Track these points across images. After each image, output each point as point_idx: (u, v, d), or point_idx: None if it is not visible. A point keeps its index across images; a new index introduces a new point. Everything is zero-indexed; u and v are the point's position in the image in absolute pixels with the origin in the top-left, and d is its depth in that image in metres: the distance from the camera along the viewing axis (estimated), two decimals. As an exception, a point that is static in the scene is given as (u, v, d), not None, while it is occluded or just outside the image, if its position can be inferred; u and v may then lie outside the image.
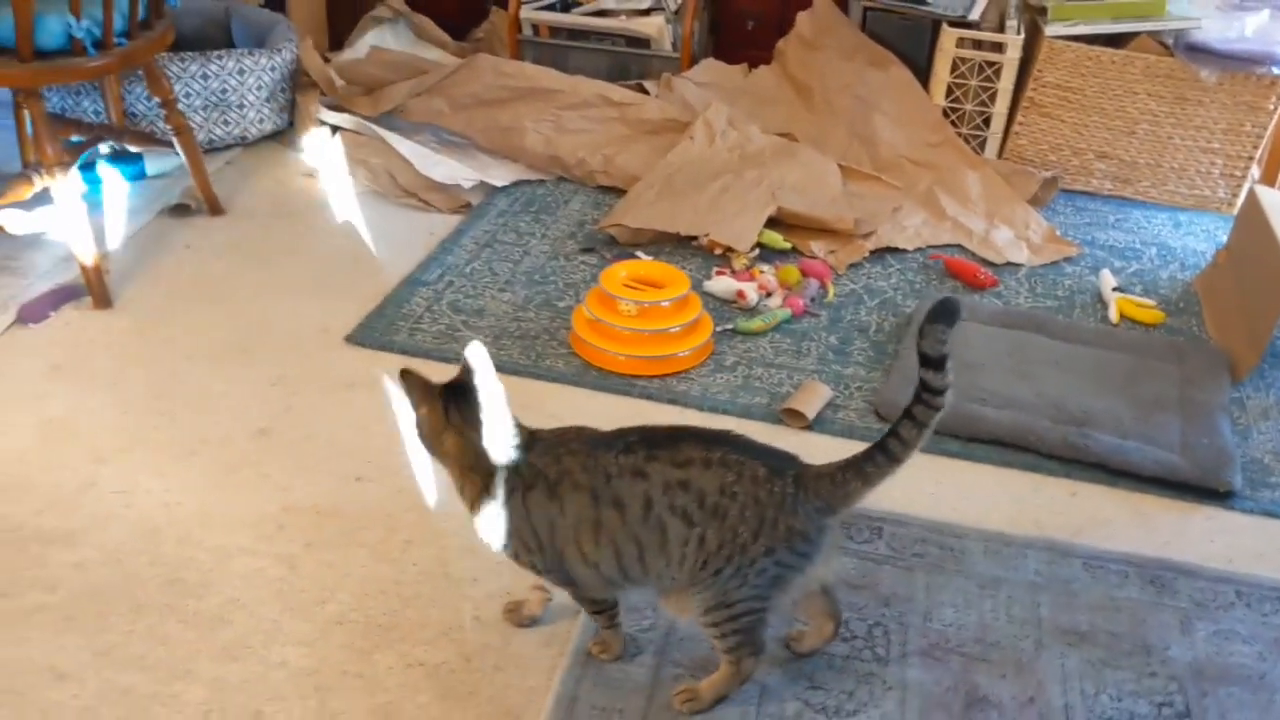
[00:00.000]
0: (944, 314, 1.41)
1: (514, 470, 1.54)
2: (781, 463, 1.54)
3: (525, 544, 1.56)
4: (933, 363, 1.43)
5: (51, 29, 2.29)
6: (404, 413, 1.59)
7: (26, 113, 2.79)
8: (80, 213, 2.43)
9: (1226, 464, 2.15)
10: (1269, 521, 2.09)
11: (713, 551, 1.50)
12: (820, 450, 2.17)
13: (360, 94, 3.38)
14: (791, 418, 2.27)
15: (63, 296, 2.49)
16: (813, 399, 2.30)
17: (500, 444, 1.54)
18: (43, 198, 2.62)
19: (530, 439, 1.57)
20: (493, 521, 1.56)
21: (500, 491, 1.54)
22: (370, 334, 2.46)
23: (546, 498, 1.53)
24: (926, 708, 1.66)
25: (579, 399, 2.32)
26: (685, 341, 2.43)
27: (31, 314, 2.42)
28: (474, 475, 1.56)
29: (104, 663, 1.67)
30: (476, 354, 1.54)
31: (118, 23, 2.40)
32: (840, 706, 1.66)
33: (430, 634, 1.75)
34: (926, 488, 2.12)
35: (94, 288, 2.47)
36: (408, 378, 1.58)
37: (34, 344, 2.38)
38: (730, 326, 2.57)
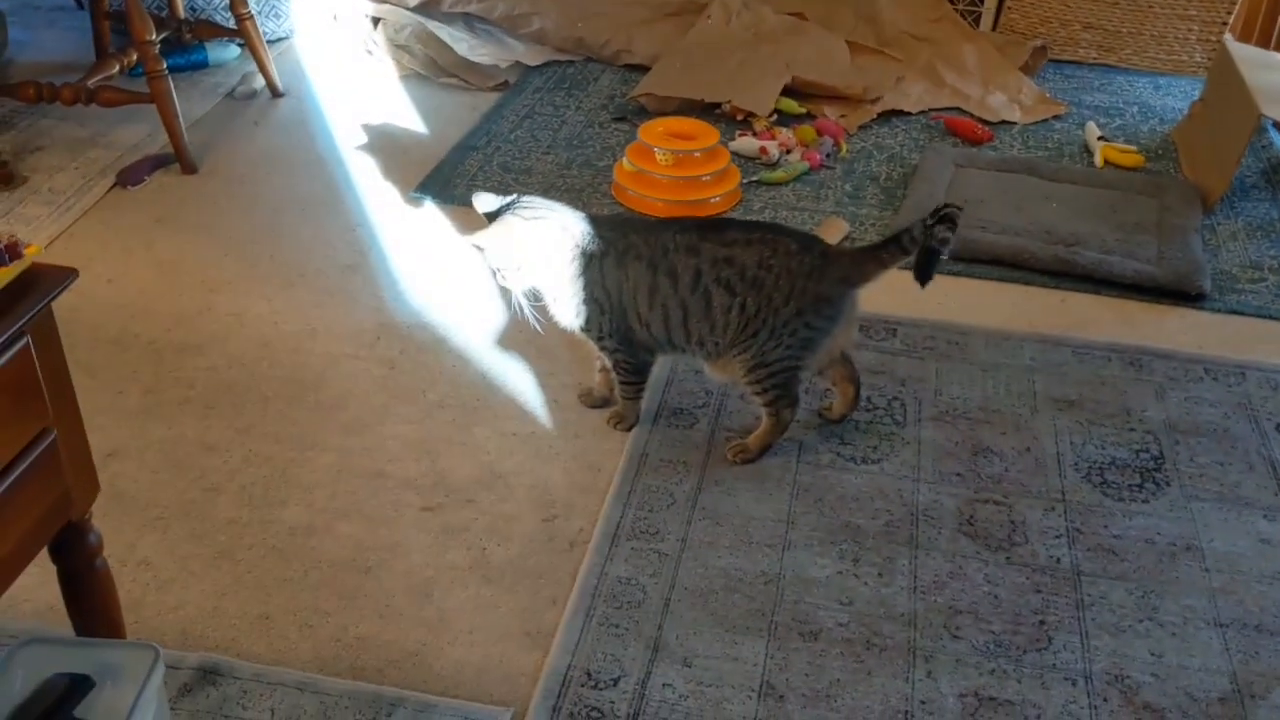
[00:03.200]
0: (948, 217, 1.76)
1: (589, 244, 1.84)
2: (811, 241, 1.85)
3: (599, 305, 1.86)
4: (945, 220, 1.76)
5: (140, -84, 2.55)
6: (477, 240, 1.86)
7: (103, 9, 3.06)
8: (169, 87, 2.69)
9: (1198, 271, 2.45)
10: (1234, 318, 2.39)
11: (751, 315, 1.81)
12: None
13: (397, -12, 3.62)
14: (813, 247, 2.56)
15: (156, 163, 2.77)
16: (833, 232, 2.59)
17: (571, 226, 1.84)
18: (124, 81, 2.89)
19: (593, 221, 1.86)
20: (572, 296, 1.86)
21: (579, 264, 1.83)
22: (432, 189, 2.75)
23: (615, 265, 1.84)
24: (939, 456, 1.98)
25: (623, 239, 2.61)
26: (716, 188, 2.71)
27: (130, 177, 2.70)
28: (554, 263, 1.85)
29: (245, 438, 1.98)
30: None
31: (196, -90, 2.66)
32: (866, 456, 1.97)
33: (518, 413, 2.05)
34: (934, 299, 2.40)
35: (182, 155, 2.75)
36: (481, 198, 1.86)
37: (136, 202, 2.66)
38: (756, 178, 2.85)
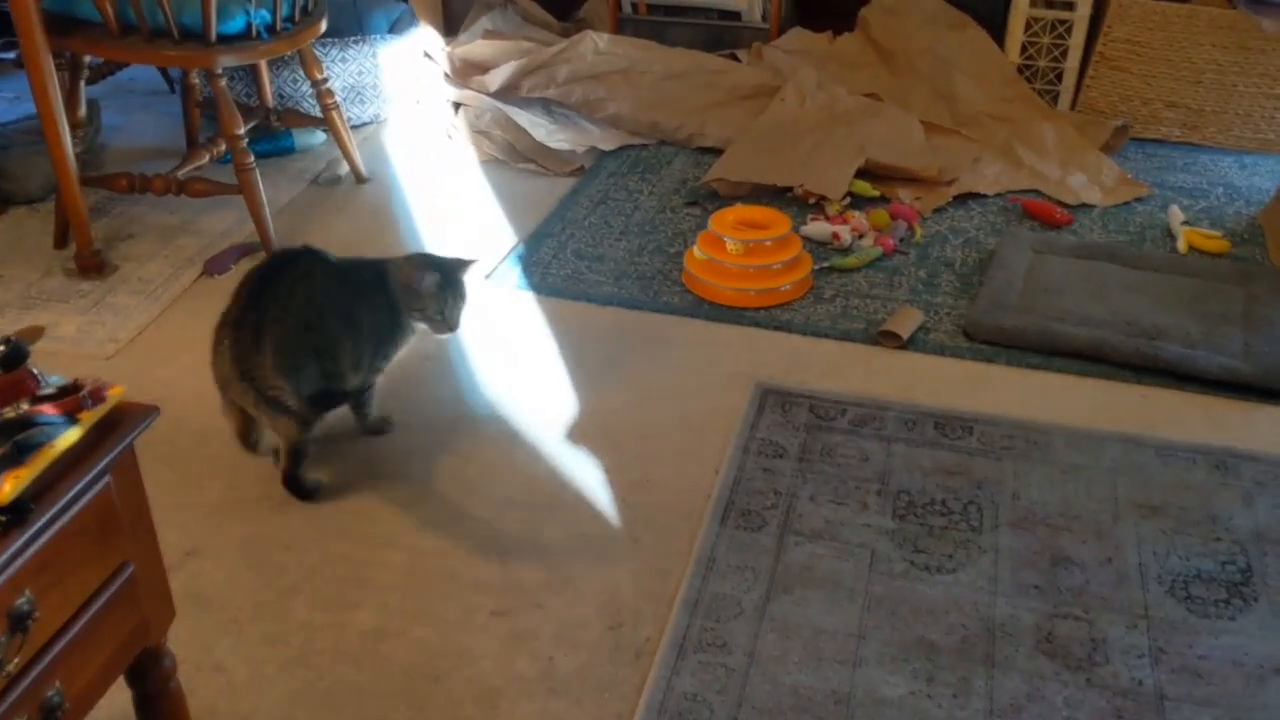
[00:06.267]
0: None
1: None
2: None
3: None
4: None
5: (231, 15, 2.64)
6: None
7: (194, 97, 3.18)
8: (256, 179, 2.78)
9: (1287, 368, 2.38)
10: (1326, 417, 2.32)
11: None
12: (916, 366, 2.47)
13: (477, 73, 3.70)
14: (887, 339, 2.54)
15: (242, 252, 2.85)
16: (907, 321, 2.57)
17: None
18: (213, 169, 2.99)
19: None
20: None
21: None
22: (507, 276, 2.78)
23: None
24: (1017, 566, 1.93)
25: (694, 329, 2.61)
26: (787, 276, 2.71)
27: (216, 266, 2.79)
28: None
29: (321, 536, 2.01)
30: None
31: (285, 10, 2.75)
32: (942, 565, 1.94)
33: (588, 512, 2.06)
34: (1013, 395, 2.38)
35: (268, 243, 2.83)
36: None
37: (222, 291, 2.71)
38: (827, 264, 2.84)
